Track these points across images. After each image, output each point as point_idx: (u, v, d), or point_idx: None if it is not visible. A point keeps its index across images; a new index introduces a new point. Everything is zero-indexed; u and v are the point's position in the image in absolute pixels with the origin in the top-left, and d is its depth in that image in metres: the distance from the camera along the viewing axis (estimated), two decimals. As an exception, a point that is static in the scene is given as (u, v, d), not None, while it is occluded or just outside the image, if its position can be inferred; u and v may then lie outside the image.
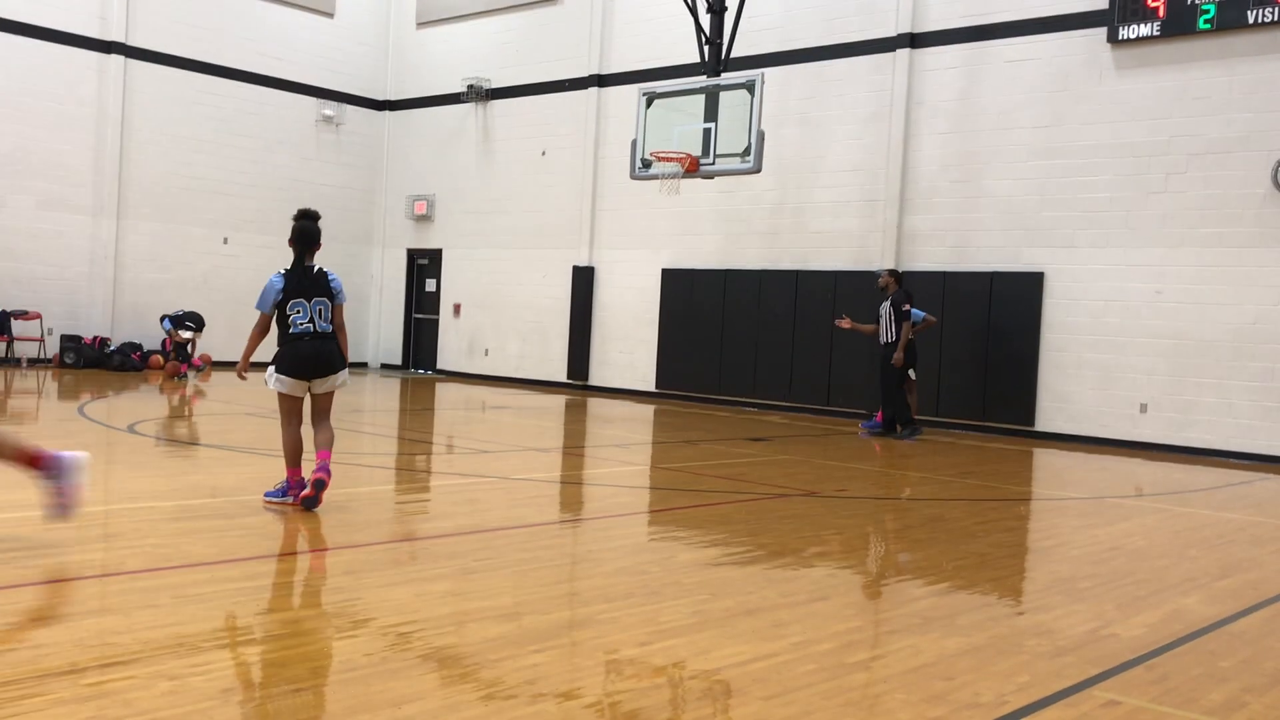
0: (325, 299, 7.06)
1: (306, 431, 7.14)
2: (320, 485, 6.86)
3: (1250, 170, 13.58)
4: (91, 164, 19.93)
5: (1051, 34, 15.10)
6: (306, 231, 7.13)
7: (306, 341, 6.98)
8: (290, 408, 7.07)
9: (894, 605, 5.56)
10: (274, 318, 7.02)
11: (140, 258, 20.61)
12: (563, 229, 20.84)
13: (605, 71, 20.23)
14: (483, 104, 22.17)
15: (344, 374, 7.14)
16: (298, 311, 6.97)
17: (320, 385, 7.10)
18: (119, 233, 20.21)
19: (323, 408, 7.17)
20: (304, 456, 7.11)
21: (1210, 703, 4.16)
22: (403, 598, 5.07)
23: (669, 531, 7.38)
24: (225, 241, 21.52)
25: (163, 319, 19.63)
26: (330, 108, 23.03)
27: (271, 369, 7.02)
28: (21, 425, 11.65)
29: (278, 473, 7.39)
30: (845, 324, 14.82)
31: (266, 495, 7.11)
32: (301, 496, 6.92)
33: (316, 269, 7.13)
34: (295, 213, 7.19)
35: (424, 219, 23.19)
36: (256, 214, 21.81)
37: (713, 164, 14.65)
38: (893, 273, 14.55)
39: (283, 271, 7.06)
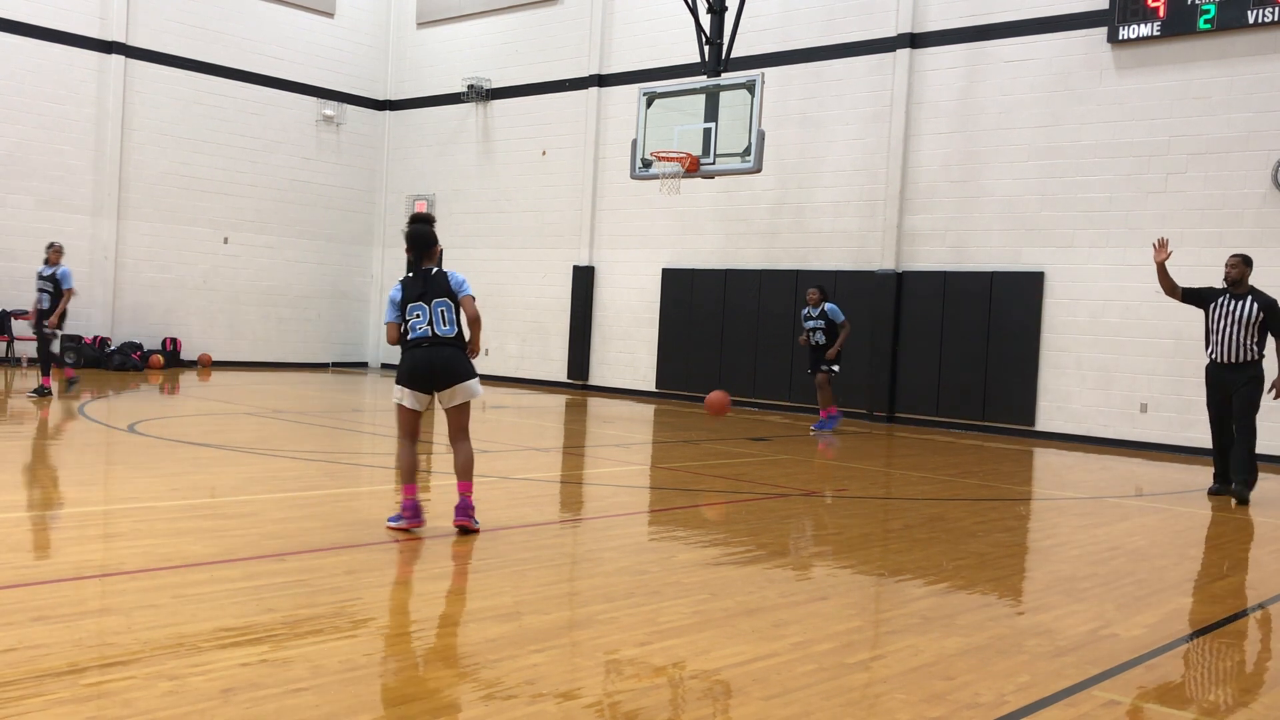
0: (447, 300, 6.67)
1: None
2: (465, 530, 6.55)
3: (1250, 170, 13.58)
4: (91, 164, 19.93)
5: (1051, 34, 15.10)
6: (418, 235, 6.78)
7: (422, 349, 6.61)
8: (403, 421, 6.69)
9: (894, 605, 5.56)
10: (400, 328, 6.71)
11: (140, 258, 20.60)
12: (563, 229, 20.84)
13: (605, 71, 20.22)
14: (483, 104, 22.16)
15: (472, 384, 6.66)
16: (416, 316, 6.64)
17: (446, 399, 6.65)
18: (119, 233, 20.20)
19: (455, 424, 6.70)
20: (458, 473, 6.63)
21: (1210, 703, 4.16)
22: (403, 598, 5.07)
23: (669, 531, 7.37)
24: (225, 241, 21.51)
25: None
26: (330, 107, 23.02)
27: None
28: (22, 424, 11.66)
29: (277, 472, 7.38)
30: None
31: (389, 521, 6.70)
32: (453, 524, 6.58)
33: (436, 271, 6.76)
34: (409, 217, 6.84)
35: (424, 219, 23.16)
36: (256, 214, 21.78)
37: (713, 164, 14.64)
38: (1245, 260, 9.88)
39: (401, 280, 6.78)
